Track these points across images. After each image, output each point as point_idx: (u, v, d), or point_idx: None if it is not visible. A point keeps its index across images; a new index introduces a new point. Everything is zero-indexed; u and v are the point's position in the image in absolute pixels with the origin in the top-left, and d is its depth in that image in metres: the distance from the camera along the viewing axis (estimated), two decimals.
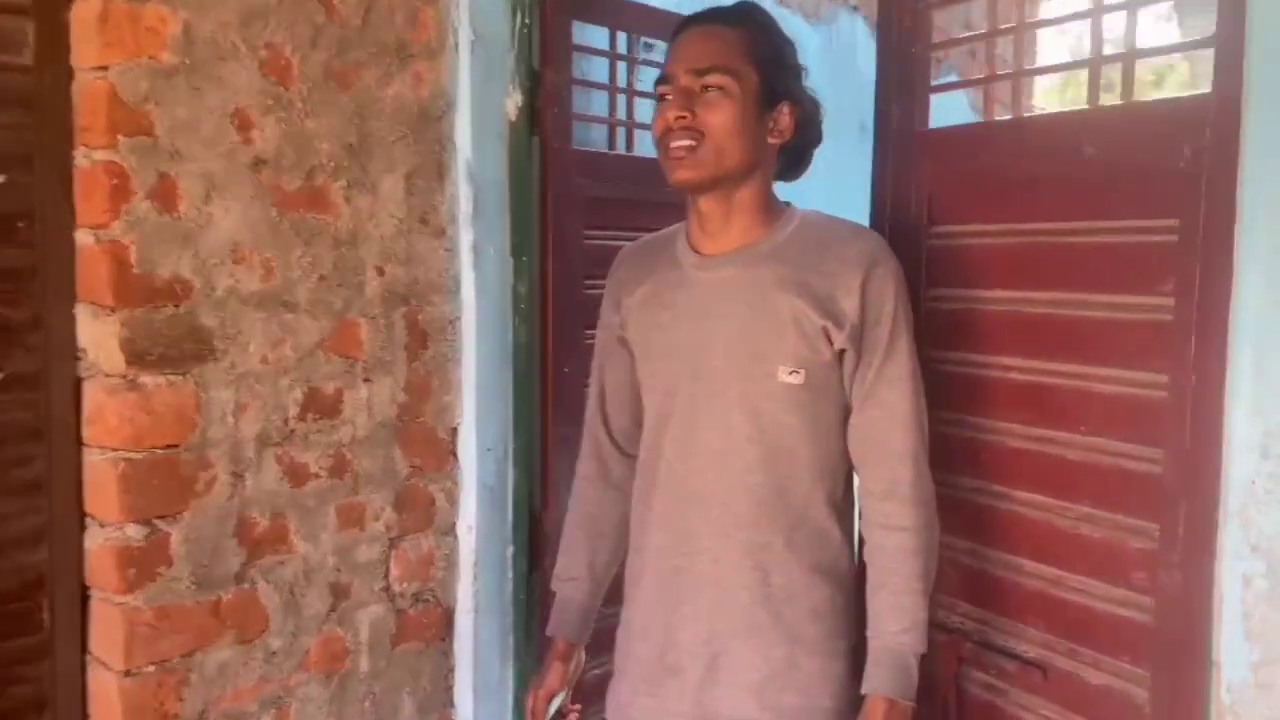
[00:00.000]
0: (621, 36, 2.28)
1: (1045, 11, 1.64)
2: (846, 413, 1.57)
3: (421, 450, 2.02)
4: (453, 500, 2.09)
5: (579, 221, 2.17)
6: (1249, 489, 1.21)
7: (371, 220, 1.89)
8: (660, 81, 1.55)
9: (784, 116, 1.56)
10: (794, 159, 1.65)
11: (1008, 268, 1.63)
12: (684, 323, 1.59)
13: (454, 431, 2.08)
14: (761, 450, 1.54)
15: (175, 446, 1.66)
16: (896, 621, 1.51)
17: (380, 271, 1.92)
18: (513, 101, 2.06)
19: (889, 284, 1.53)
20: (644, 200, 2.32)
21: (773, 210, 1.60)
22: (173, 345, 1.64)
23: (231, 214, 1.69)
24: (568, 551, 1.81)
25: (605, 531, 1.78)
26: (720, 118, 1.49)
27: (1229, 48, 1.32)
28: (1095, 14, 1.51)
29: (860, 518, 1.60)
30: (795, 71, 1.60)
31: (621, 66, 2.30)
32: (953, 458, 1.70)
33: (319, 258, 1.82)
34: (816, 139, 1.65)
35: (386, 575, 1.99)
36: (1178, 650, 1.41)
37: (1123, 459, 1.48)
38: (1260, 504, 1.20)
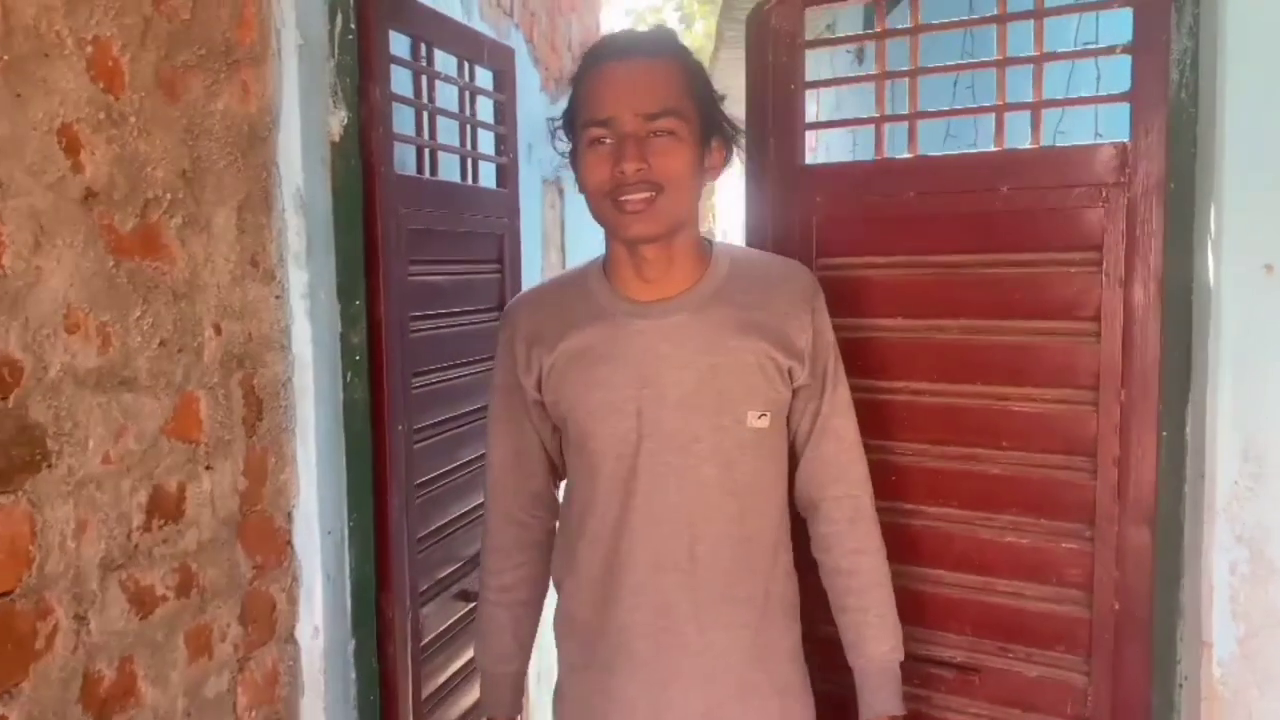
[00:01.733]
0: (423, 50, 2.02)
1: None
2: (792, 445, 1.55)
3: (263, 545, 1.64)
4: (293, 600, 1.72)
5: (404, 257, 1.89)
6: (1233, 488, 1.39)
7: (208, 266, 1.50)
8: (593, 124, 1.38)
9: (716, 153, 1.47)
10: None
11: (912, 297, 1.71)
12: (630, 376, 1.45)
13: (289, 516, 1.71)
14: (738, 502, 1.47)
15: (8, 594, 1.18)
16: (884, 642, 1.53)
17: (218, 330, 1.52)
18: (337, 119, 1.74)
19: (826, 314, 1.54)
20: (455, 231, 2.10)
21: (703, 247, 1.52)
22: (0, 454, 1.17)
23: (63, 265, 1.24)
24: (492, 633, 1.63)
25: (525, 599, 1.63)
26: (676, 165, 1.38)
27: (1144, 101, 1.52)
28: (1000, 64, 1.63)
29: (819, 546, 1.57)
30: (719, 101, 1.52)
31: (425, 83, 2.04)
32: None
33: (159, 317, 1.40)
34: None
35: (235, 708, 1.59)
36: (1119, 634, 1.59)
37: (1049, 470, 1.63)
38: (1243, 500, 1.38)
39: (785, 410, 1.51)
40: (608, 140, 1.37)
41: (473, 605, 2.22)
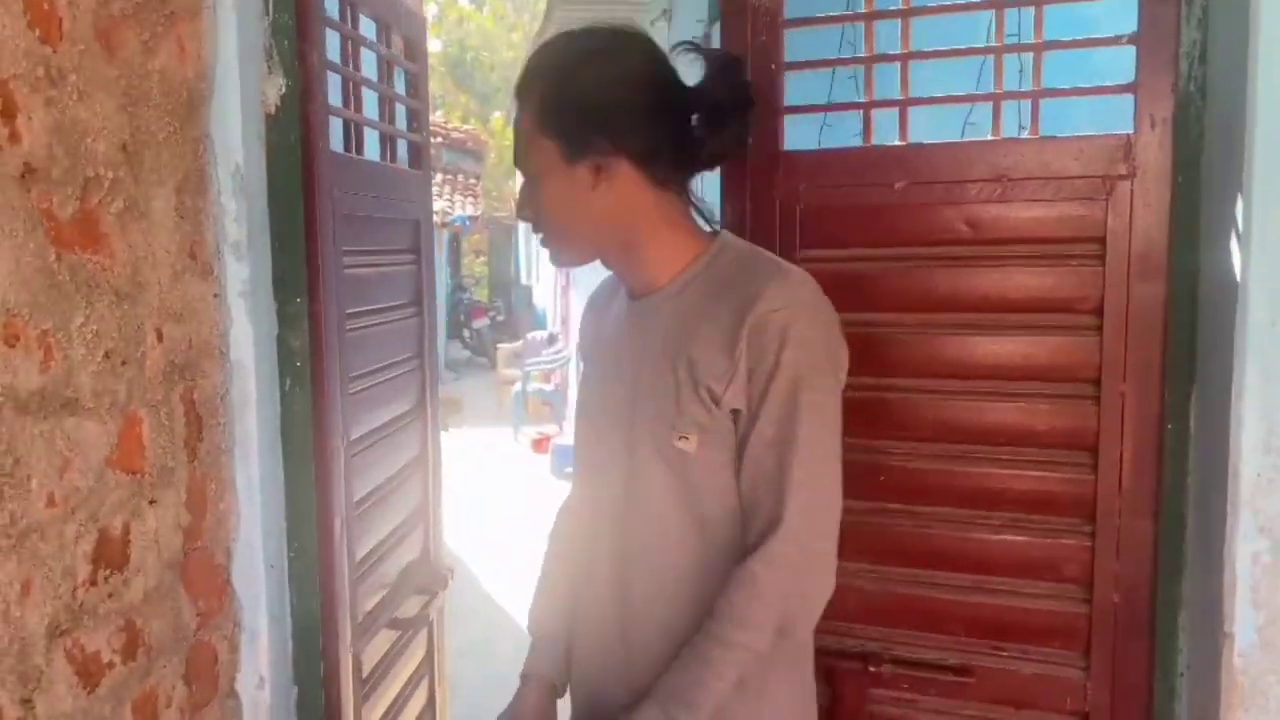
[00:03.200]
0: (348, 13, 1.78)
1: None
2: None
3: (205, 588, 1.39)
4: (234, 648, 1.47)
5: (339, 247, 1.66)
6: (1256, 480, 1.39)
7: (148, 260, 1.24)
8: None
9: (604, 164, 1.26)
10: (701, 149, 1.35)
11: (903, 291, 1.64)
12: (609, 368, 1.39)
13: (229, 551, 1.46)
14: (661, 523, 1.32)
15: None
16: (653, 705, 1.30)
17: (160, 336, 1.27)
18: (274, 87, 1.49)
19: (778, 335, 1.25)
20: (379, 217, 1.88)
21: (689, 246, 1.34)
22: None
23: (1, 260, 0.98)
24: (548, 591, 1.49)
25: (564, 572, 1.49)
26: (543, 206, 1.30)
27: (1150, 93, 1.50)
28: (998, 51, 1.58)
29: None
30: (603, 109, 1.27)
31: (351, 50, 1.79)
32: (849, 482, 1.66)
33: (104, 324, 1.14)
34: (720, 119, 1.35)
35: None
36: (1119, 628, 1.58)
37: (1049, 465, 1.60)
38: (1265, 492, 1.39)
39: (724, 436, 1.29)
40: None
41: (400, 633, 2.01)
